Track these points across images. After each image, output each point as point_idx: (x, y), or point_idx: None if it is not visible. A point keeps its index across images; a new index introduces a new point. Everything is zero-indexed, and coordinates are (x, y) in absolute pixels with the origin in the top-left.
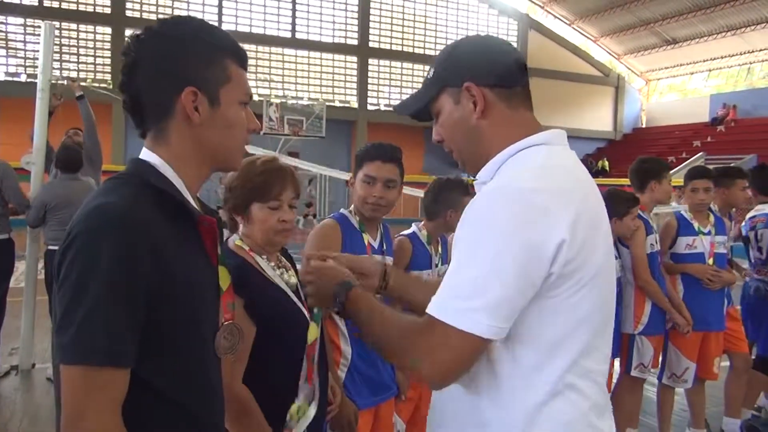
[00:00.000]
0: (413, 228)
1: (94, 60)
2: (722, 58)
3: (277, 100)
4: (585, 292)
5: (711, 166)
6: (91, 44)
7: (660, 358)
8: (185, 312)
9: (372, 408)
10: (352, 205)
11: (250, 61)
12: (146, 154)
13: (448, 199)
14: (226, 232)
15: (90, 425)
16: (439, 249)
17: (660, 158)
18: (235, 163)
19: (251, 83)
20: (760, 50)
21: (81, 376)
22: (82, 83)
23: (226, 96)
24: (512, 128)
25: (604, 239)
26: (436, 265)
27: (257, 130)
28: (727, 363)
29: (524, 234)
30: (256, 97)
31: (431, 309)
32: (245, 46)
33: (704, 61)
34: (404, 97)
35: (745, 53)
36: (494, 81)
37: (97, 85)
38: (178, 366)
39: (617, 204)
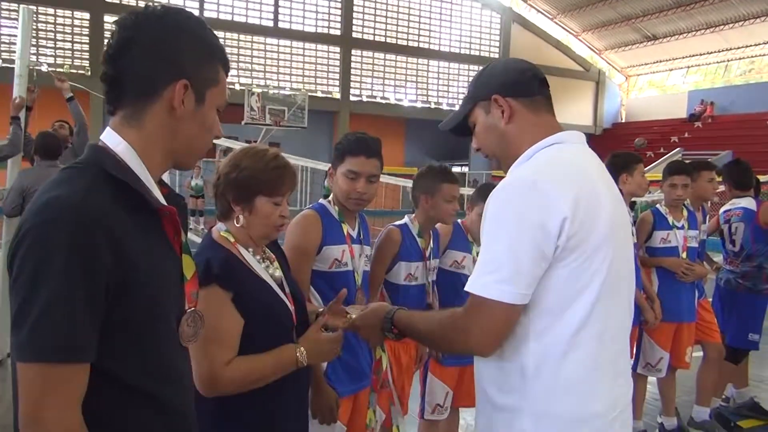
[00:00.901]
0: (405, 219)
1: (72, 46)
2: (701, 55)
3: (259, 90)
4: (587, 264)
5: (688, 162)
6: (68, 29)
7: (634, 349)
8: (149, 302)
9: (351, 396)
10: (331, 195)
11: (233, 50)
12: (110, 137)
13: (422, 184)
14: (197, 221)
15: (48, 423)
16: (431, 243)
17: (632, 152)
18: (193, 163)
19: (233, 72)
20: (738, 48)
21: (37, 374)
22: (60, 69)
23: (211, 98)
24: (535, 130)
25: (607, 222)
26: (428, 259)
27: (220, 137)
28: (700, 353)
29: (531, 215)
30: (237, 87)
31: (467, 287)
32: (227, 35)
33: (683, 57)
34: (387, 88)
35: (723, 50)
36: (517, 92)
37: (74, 71)
38: (143, 356)
39: None
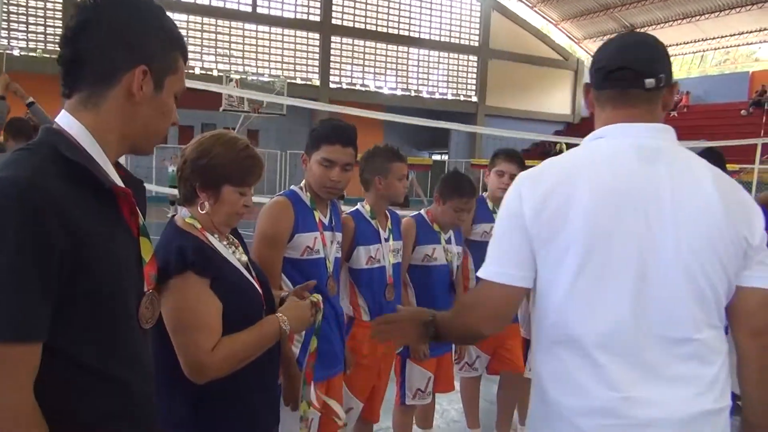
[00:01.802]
0: (357, 205)
1: (45, 30)
2: (677, 45)
3: (237, 76)
4: (560, 257)
5: None
6: (41, 13)
7: None
8: (106, 284)
9: (324, 381)
10: (303, 182)
11: (210, 35)
12: (64, 119)
13: (374, 166)
14: (158, 208)
15: None
16: (389, 224)
17: None
18: (150, 149)
19: (210, 57)
20: (713, 38)
21: None
22: (32, 54)
23: (169, 85)
24: (597, 124)
25: (586, 218)
26: (386, 240)
27: (176, 125)
28: None
29: (507, 209)
30: (215, 73)
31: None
32: (204, 20)
33: None
34: (367, 76)
35: (698, 41)
36: (594, 84)
37: (48, 55)
38: (100, 337)
39: None
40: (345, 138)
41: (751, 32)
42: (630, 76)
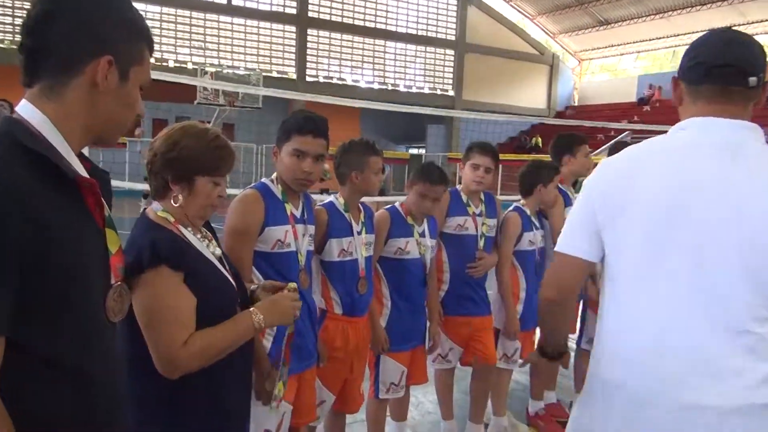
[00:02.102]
0: (331, 197)
1: (13, 20)
2: (650, 40)
3: (212, 69)
4: (616, 246)
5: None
6: (8, 3)
7: (578, 324)
8: (71, 276)
9: (296, 374)
10: (274, 174)
11: (184, 28)
12: (26, 109)
13: (350, 160)
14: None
15: None
16: (362, 217)
17: (575, 133)
18: (114, 140)
19: (185, 50)
20: (685, 34)
21: None
22: (1, 45)
23: (135, 76)
24: (684, 117)
25: (654, 206)
26: (359, 233)
27: (142, 117)
28: None
29: (583, 190)
30: (189, 66)
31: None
32: (179, 12)
33: (633, 42)
34: (344, 69)
35: (671, 36)
36: (685, 77)
37: (16, 46)
38: (64, 330)
39: (543, 172)
40: (316, 128)
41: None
42: (734, 73)
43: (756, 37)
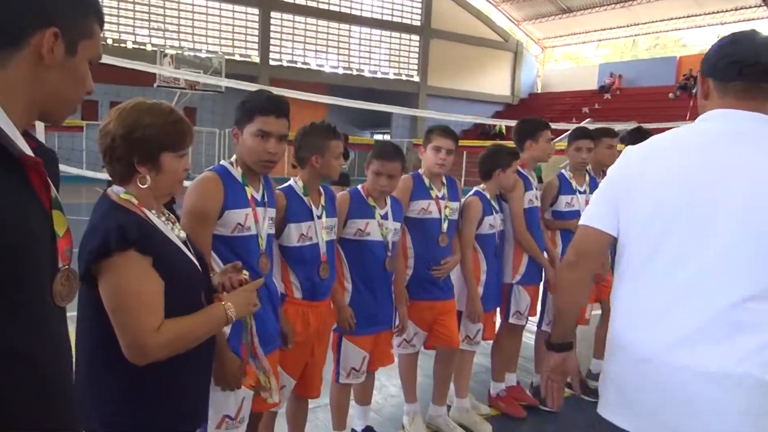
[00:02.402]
0: (290, 181)
1: None
2: (611, 29)
3: (173, 51)
4: (627, 222)
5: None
6: None
7: (539, 307)
8: (15, 259)
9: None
10: (234, 157)
11: (143, 8)
12: None
13: (311, 144)
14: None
15: None
16: (323, 201)
17: (537, 118)
18: (61, 117)
19: (144, 31)
20: (645, 23)
21: None
22: None
23: (83, 50)
24: (708, 110)
25: (662, 190)
26: (319, 217)
27: (91, 93)
28: (599, 311)
29: (609, 171)
30: (148, 48)
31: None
32: None
33: (595, 31)
34: (308, 53)
35: (631, 25)
36: (713, 73)
37: None
38: (12, 315)
39: (501, 157)
40: (279, 109)
41: (679, 18)
42: (763, 71)
43: (711, 28)
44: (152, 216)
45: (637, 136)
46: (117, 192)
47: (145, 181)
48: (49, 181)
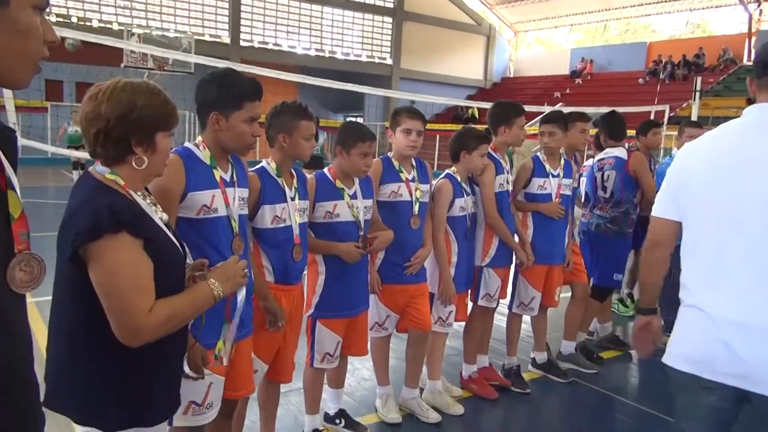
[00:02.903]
0: (263, 162)
1: None
2: (583, 14)
3: (140, 31)
4: (693, 218)
5: (565, 113)
6: None
7: (510, 289)
8: None
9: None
10: (199, 138)
11: None
12: None
13: (279, 123)
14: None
15: None
16: (295, 183)
17: (513, 103)
18: (23, 78)
19: (110, 9)
20: (616, 8)
21: None
22: None
23: None
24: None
25: (703, 176)
26: (292, 199)
27: (56, 42)
28: (569, 294)
29: (672, 166)
30: (115, 27)
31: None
32: None
33: (567, 15)
34: (279, 34)
35: (602, 10)
36: (758, 72)
37: None
38: None
39: (467, 139)
40: (261, 92)
41: (649, 4)
42: None
43: (680, 14)
44: (138, 198)
45: (611, 120)
46: (101, 172)
47: (142, 162)
48: (3, 160)
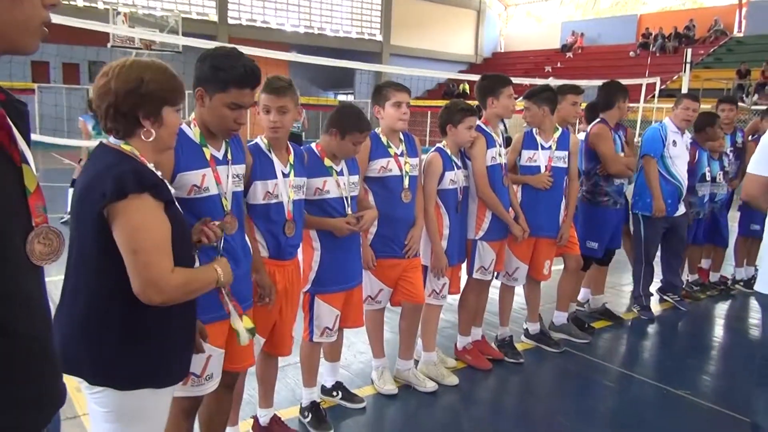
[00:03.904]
0: (256, 138)
1: None
2: None
3: (126, 10)
4: None
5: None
6: None
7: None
8: None
9: (225, 320)
10: (191, 116)
11: None
12: None
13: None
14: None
15: None
16: (291, 159)
17: (499, 74)
18: (27, 44)
19: None
20: None
21: None
22: None
23: None
24: None
25: None
26: (286, 175)
27: (56, 4)
28: (561, 267)
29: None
30: (100, 6)
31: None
32: None
33: None
34: (268, 11)
35: None
36: None
37: None
38: None
39: (452, 113)
40: (256, 81)
41: None
42: None
43: None
44: (152, 168)
45: (599, 92)
46: (116, 143)
47: (150, 135)
48: (16, 134)
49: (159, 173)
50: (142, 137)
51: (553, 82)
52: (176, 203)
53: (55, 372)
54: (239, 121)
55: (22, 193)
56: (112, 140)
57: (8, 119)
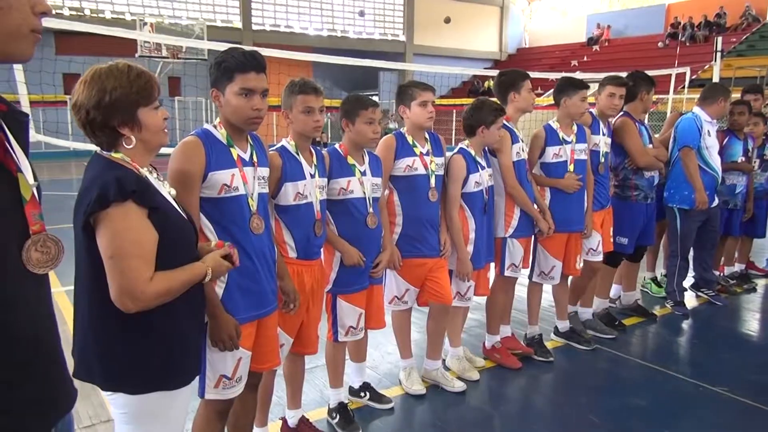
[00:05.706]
0: (282, 141)
1: None
2: None
3: (152, 20)
4: None
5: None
6: None
7: (530, 259)
8: None
9: (253, 322)
10: (217, 119)
11: None
12: None
13: (284, 100)
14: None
15: None
16: (314, 160)
17: (517, 69)
18: (19, 52)
19: (122, 0)
20: None
21: None
22: None
23: None
24: None
25: None
26: (312, 176)
27: (48, 12)
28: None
29: None
30: (127, 17)
31: None
32: None
33: None
34: (291, 16)
35: None
36: None
37: None
38: None
39: (484, 113)
40: (258, 64)
41: None
42: None
43: None
44: (146, 173)
45: (631, 79)
46: (107, 152)
47: (131, 141)
48: (13, 143)
49: (152, 177)
50: (125, 145)
51: (580, 75)
52: (167, 208)
53: (62, 375)
54: (255, 107)
55: (19, 201)
56: (103, 150)
57: (5, 130)
